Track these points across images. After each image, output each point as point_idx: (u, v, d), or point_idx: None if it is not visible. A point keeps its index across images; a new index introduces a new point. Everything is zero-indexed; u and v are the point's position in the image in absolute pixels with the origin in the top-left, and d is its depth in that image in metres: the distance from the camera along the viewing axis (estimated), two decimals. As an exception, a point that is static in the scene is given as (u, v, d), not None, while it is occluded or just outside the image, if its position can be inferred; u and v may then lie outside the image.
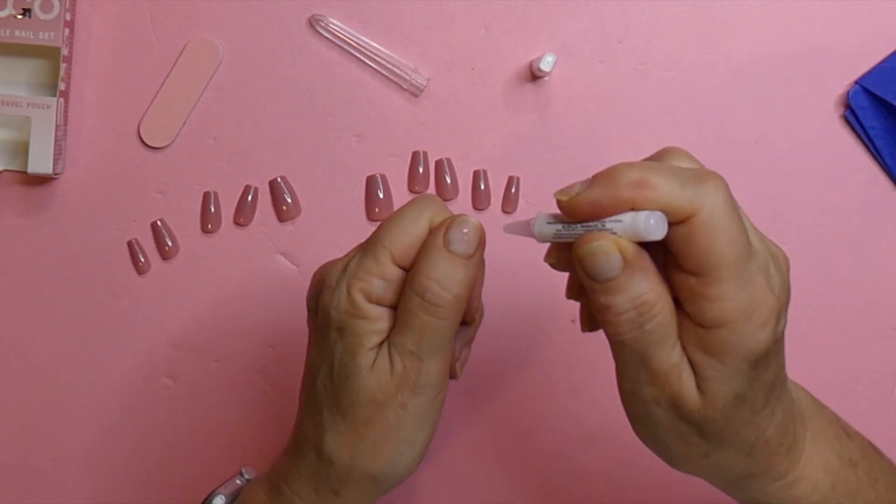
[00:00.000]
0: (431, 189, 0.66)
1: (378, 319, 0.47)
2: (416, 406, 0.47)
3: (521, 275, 0.66)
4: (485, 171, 0.66)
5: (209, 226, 0.66)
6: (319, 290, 0.48)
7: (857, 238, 0.66)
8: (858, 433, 0.51)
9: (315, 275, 0.50)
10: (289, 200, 0.66)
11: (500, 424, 0.66)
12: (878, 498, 0.48)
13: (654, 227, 0.40)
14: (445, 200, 0.66)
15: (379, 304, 0.47)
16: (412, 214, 0.47)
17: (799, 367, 0.64)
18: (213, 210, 0.66)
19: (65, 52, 0.63)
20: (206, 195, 0.66)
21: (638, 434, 0.47)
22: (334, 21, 0.65)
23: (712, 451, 0.45)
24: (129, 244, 0.66)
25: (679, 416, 0.44)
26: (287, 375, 0.66)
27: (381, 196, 0.65)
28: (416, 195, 0.64)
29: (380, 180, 0.65)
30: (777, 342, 0.43)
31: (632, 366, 0.44)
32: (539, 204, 0.66)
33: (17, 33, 0.62)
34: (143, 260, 0.66)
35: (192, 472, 0.67)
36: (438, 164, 0.65)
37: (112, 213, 0.66)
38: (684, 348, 0.42)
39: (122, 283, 0.66)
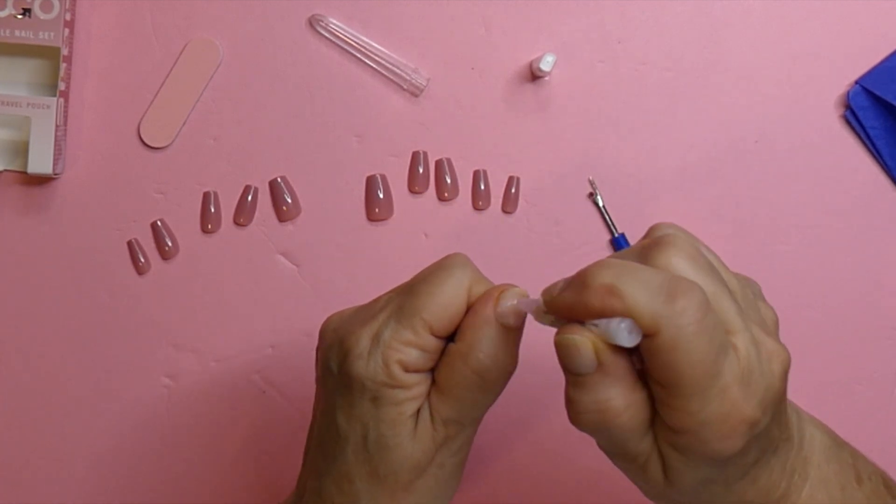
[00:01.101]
0: (431, 189, 0.66)
1: (415, 386, 0.45)
2: (454, 464, 0.47)
3: (522, 275, 0.66)
4: (485, 171, 0.66)
5: (209, 226, 0.66)
6: (343, 356, 0.46)
7: (857, 238, 0.66)
8: (877, 473, 0.49)
9: (327, 332, 0.48)
10: (289, 200, 0.66)
11: (499, 424, 0.66)
12: None
13: (625, 335, 0.39)
14: (445, 201, 0.66)
15: (416, 372, 0.45)
16: (452, 285, 0.45)
17: (799, 367, 0.64)
18: (213, 210, 0.66)
19: (65, 52, 0.63)
20: (206, 195, 0.66)
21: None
22: (334, 21, 0.65)
23: None
24: (129, 244, 0.66)
25: (645, 482, 0.43)
26: (287, 375, 0.66)
27: (381, 196, 0.65)
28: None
29: (380, 180, 0.65)
30: (757, 438, 0.41)
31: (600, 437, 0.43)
32: (539, 204, 0.66)
33: (17, 33, 0.62)
34: (143, 260, 0.66)
35: (191, 471, 0.67)
36: (438, 164, 0.65)
37: (112, 213, 0.66)
38: (655, 436, 0.42)
39: (122, 283, 0.66)
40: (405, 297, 0.46)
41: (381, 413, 0.45)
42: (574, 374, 0.41)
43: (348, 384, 0.46)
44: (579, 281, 0.40)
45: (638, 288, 0.39)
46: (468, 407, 0.46)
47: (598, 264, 0.40)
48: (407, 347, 0.45)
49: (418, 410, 0.46)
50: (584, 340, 0.40)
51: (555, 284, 0.42)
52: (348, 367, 0.45)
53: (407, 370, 0.45)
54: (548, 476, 0.66)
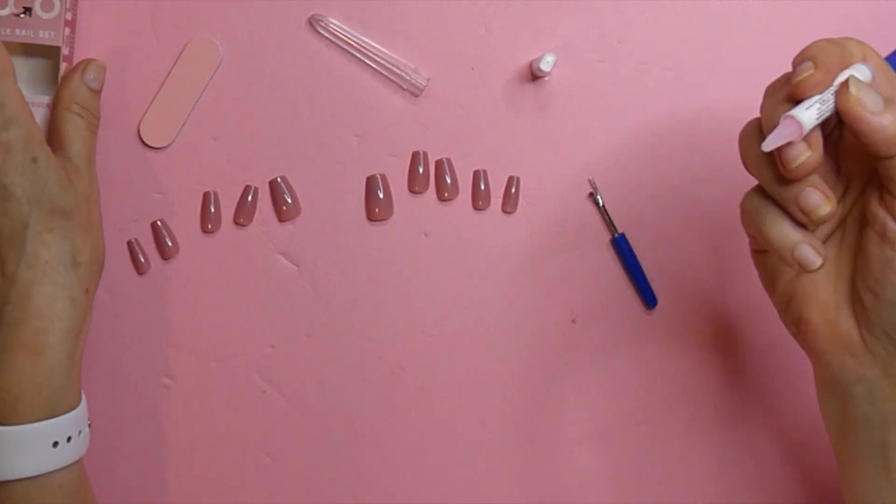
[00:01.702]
0: (431, 189, 0.66)
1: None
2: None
3: (522, 275, 0.66)
4: (485, 171, 0.66)
5: (209, 226, 0.66)
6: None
7: (858, 238, 0.65)
8: None
9: None
10: (289, 200, 0.66)
11: (499, 424, 0.66)
12: None
13: (869, 68, 0.48)
14: (445, 201, 0.66)
15: None
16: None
17: (801, 365, 0.64)
18: (213, 210, 0.66)
19: (65, 51, 0.63)
20: (206, 195, 0.66)
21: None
22: (334, 21, 0.65)
23: None
24: (129, 244, 0.66)
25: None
26: (287, 375, 0.66)
27: (381, 196, 0.65)
28: (414, 193, 0.64)
29: (380, 180, 0.65)
30: None
31: None
32: (539, 204, 0.66)
33: (17, 32, 0.62)
34: (143, 260, 0.66)
35: (191, 471, 0.67)
36: (438, 164, 0.65)
37: (112, 213, 0.66)
38: None
39: (122, 283, 0.66)
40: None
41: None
42: (873, 110, 0.47)
43: None
44: (819, 53, 0.48)
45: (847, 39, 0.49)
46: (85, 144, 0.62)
47: (810, 48, 0.49)
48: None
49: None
50: (863, 80, 0.47)
51: (797, 73, 0.48)
52: None
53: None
54: (547, 476, 0.66)
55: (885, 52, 0.65)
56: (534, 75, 0.65)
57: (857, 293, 0.50)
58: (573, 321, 0.66)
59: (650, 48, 0.65)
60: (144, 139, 0.65)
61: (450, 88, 0.65)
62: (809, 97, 0.47)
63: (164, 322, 0.66)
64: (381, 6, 0.65)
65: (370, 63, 0.65)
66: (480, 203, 0.66)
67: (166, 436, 0.67)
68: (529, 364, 0.66)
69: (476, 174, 0.66)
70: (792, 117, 0.46)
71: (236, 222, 0.66)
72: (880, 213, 0.49)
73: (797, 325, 0.53)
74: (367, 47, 0.65)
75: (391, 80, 0.65)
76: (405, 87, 0.65)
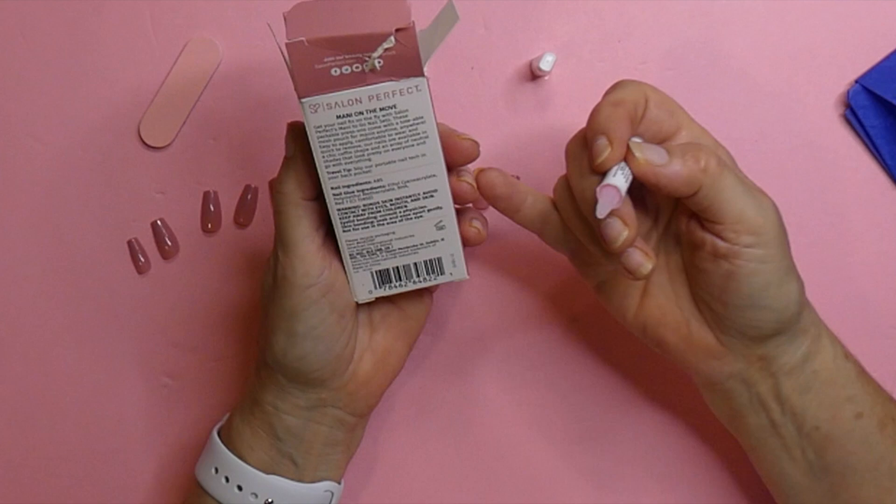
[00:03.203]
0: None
1: None
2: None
3: (522, 275, 0.66)
4: (485, 171, 0.65)
5: (209, 226, 0.66)
6: None
7: (857, 237, 0.65)
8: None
9: None
10: (289, 200, 0.65)
11: (499, 424, 0.66)
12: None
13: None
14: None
15: None
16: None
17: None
18: (213, 210, 0.66)
19: (65, 51, 0.63)
20: (206, 195, 0.66)
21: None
22: (334, 21, 0.65)
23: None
24: (129, 244, 0.66)
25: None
26: (287, 375, 0.66)
27: (381, 196, 0.65)
28: None
29: (380, 180, 0.65)
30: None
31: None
32: (539, 204, 0.66)
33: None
34: (143, 260, 0.66)
35: (191, 472, 0.67)
36: (438, 163, 0.65)
37: (112, 213, 0.66)
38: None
39: (122, 283, 0.66)
40: None
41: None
42: (661, 164, 0.51)
43: None
44: (617, 130, 0.51)
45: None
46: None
47: (599, 119, 0.51)
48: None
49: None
50: (640, 142, 0.53)
51: (601, 159, 0.51)
52: None
53: None
54: (547, 476, 0.66)
55: (884, 53, 0.65)
56: (534, 75, 0.65)
57: (706, 305, 0.54)
58: (573, 321, 0.66)
59: (650, 48, 0.65)
60: (144, 139, 0.65)
61: (450, 88, 0.65)
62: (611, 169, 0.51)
63: (164, 322, 0.66)
64: (380, 6, 0.65)
65: (370, 63, 0.65)
66: (480, 202, 0.65)
67: (166, 435, 0.67)
68: (529, 364, 0.66)
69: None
70: (611, 186, 0.50)
71: (236, 222, 0.66)
72: (707, 237, 0.52)
73: (658, 347, 0.57)
74: (367, 47, 0.65)
75: (391, 80, 0.65)
76: (405, 86, 0.65)
